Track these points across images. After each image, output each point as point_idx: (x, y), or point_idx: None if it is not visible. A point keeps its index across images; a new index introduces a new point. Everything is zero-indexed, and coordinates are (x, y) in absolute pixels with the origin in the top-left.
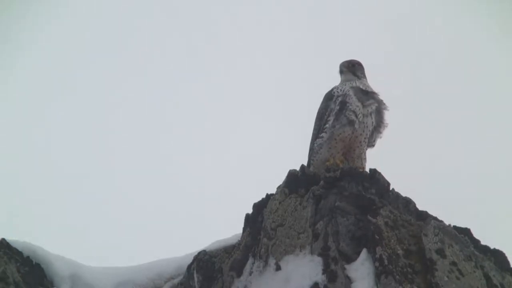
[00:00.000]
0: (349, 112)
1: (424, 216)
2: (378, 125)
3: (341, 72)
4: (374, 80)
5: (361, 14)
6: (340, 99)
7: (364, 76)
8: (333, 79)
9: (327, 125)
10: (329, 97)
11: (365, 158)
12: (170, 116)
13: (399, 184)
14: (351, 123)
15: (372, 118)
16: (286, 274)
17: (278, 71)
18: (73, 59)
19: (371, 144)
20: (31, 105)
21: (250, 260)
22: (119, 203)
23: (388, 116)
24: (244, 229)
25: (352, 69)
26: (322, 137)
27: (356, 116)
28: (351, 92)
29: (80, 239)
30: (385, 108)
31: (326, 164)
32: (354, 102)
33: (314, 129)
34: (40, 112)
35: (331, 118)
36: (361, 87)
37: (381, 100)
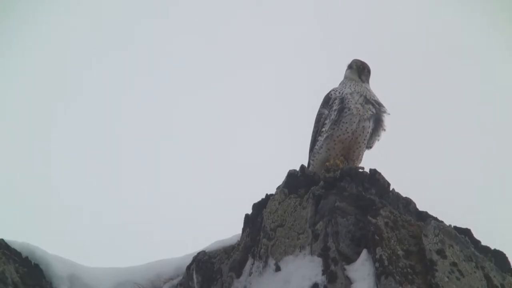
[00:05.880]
0: (348, 112)
1: (424, 217)
2: (377, 129)
3: (351, 67)
4: (374, 79)
5: (361, 14)
6: (337, 101)
7: (367, 82)
8: (334, 79)
9: (325, 127)
10: (327, 99)
11: (360, 159)
12: (170, 116)
13: (399, 184)
14: (350, 124)
15: (370, 121)
16: (285, 274)
17: (278, 71)
18: (75, 60)
19: (368, 146)
20: (31, 105)
21: (250, 261)
22: (118, 204)
23: (388, 120)
24: (243, 229)
25: (361, 71)
26: (321, 138)
27: (355, 116)
28: (349, 96)
29: (79, 240)
30: (384, 112)
31: (326, 165)
32: (353, 104)
33: (313, 131)
34: (40, 112)
35: (329, 120)
36: (362, 91)
37: (381, 104)
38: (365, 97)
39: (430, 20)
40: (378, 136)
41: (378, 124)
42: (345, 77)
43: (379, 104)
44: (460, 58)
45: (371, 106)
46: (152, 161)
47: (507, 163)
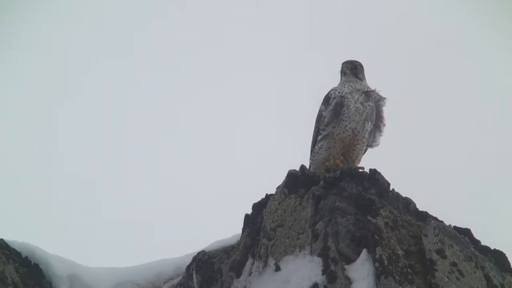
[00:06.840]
0: (347, 111)
1: (424, 217)
2: (378, 124)
3: (344, 73)
4: (374, 78)
5: (360, 14)
6: (336, 99)
7: (364, 77)
8: (334, 79)
9: (325, 126)
10: (326, 99)
11: (360, 159)
12: (170, 116)
13: (399, 185)
14: (350, 121)
15: (370, 119)
16: (285, 274)
17: (278, 71)
18: (75, 60)
19: (374, 143)
20: (31, 105)
21: (250, 261)
22: (118, 203)
23: (387, 113)
24: (243, 229)
25: (354, 71)
26: (321, 137)
27: (355, 114)
28: (349, 95)
29: (79, 240)
30: (383, 105)
31: (326, 165)
32: (353, 103)
33: (314, 131)
34: (40, 112)
35: (328, 119)
36: (362, 88)
37: (381, 96)
38: (365, 93)
39: (430, 20)
40: (381, 131)
41: (378, 118)
42: (343, 82)
43: (379, 98)
44: (460, 58)
45: (371, 103)
46: (152, 161)
47: (507, 163)
